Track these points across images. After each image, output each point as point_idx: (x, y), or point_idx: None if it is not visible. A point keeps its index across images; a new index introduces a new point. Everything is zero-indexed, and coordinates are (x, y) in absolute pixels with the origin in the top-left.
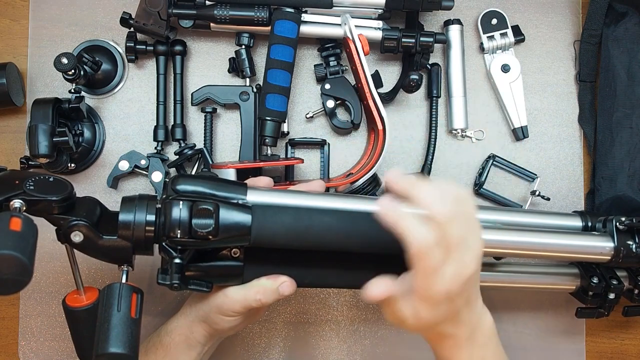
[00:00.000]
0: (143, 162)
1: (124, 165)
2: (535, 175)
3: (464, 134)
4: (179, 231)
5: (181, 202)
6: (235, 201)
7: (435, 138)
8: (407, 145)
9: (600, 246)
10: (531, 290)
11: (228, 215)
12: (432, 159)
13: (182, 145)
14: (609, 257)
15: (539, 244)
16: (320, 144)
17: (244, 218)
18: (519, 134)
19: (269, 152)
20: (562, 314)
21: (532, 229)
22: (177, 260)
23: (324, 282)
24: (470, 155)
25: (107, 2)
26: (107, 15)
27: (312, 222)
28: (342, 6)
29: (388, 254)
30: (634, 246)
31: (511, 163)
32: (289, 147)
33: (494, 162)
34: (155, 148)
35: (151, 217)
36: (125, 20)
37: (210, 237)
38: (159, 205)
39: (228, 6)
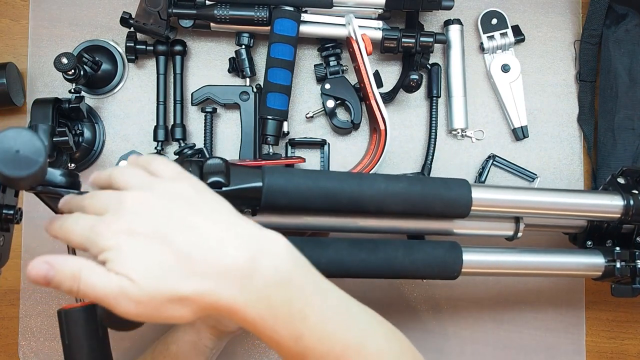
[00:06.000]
0: None
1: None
2: (535, 175)
3: (464, 133)
4: None
5: (191, 162)
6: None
7: (435, 138)
8: (407, 145)
9: (609, 204)
10: (551, 277)
11: (238, 170)
12: (432, 159)
13: (182, 145)
14: (619, 215)
15: (550, 203)
16: (320, 144)
17: (255, 172)
18: (519, 134)
19: (271, 150)
20: (562, 313)
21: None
22: None
23: (340, 268)
24: (470, 155)
25: (107, 2)
26: (107, 15)
27: (322, 181)
28: (342, 6)
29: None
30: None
31: (511, 163)
32: (289, 147)
33: (494, 162)
34: (155, 148)
35: None
36: (125, 20)
37: (222, 182)
38: None
39: (228, 6)
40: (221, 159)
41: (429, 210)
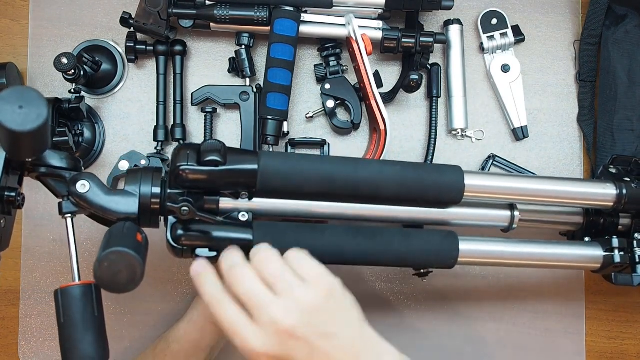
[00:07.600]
0: (143, 162)
1: (124, 166)
2: (535, 175)
3: (464, 134)
4: (187, 158)
5: (189, 146)
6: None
7: (435, 138)
8: (407, 145)
9: (602, 192)
10: (548, 268)
11: (235, 152)
12: (432, 159)
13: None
14: (612, 203)
15: (543, 190)
16: (320, 144)
17: (251, 155)
18: (519, 134)
19: (271, 151)
20: (562, 313)
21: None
22: (185, 197)
23: (336, 254)
24: (470, 155)
25: (107, 2)
26: (107, 15)
27: (318, 163)
28: (342, 6)
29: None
30: (634, 185)
31: (511, 163)
32: (289, 147)
33: (494, 162)
34: (155, 148)
35: (157, 189)
36: (125, 20)
37: (219, 161)
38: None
39: (228, 6)
40: (219, 141)
41: (422, 195)
